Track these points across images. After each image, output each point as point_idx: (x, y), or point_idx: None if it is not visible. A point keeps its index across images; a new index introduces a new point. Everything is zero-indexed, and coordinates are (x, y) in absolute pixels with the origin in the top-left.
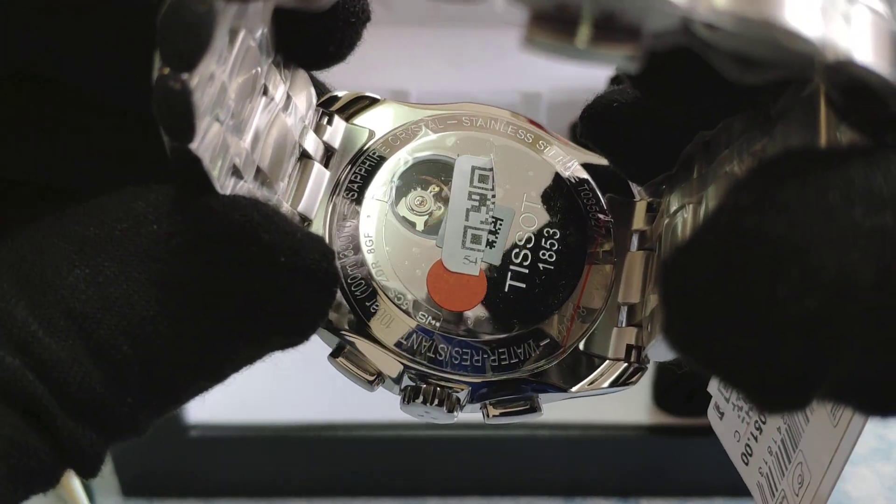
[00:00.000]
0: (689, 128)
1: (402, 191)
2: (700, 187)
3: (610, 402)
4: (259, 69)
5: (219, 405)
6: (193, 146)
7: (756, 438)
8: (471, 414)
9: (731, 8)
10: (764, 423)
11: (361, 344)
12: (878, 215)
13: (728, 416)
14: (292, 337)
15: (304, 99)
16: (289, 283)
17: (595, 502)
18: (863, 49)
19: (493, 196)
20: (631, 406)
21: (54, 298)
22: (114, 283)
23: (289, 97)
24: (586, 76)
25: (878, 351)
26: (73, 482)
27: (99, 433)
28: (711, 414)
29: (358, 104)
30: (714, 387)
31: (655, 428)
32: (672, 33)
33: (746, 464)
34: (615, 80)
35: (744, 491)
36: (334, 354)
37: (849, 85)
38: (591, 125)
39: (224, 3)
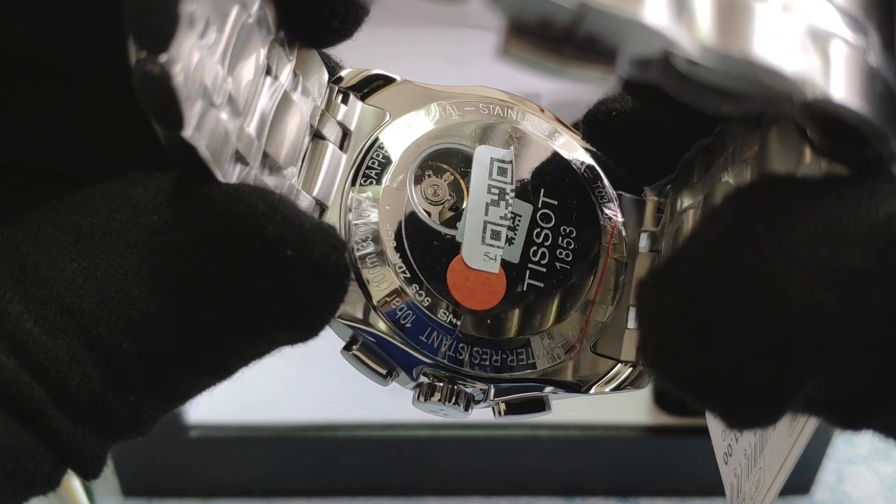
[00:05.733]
0: (686, 135)
1: (417, 179)
2: (700, 193)
3: (610, 402)
4: (260, 48)
5: (219, 405)
6: (186, 134)
7: (737, 440)
8: (481, 411)
9: (712, 44)
10: None
11: (377, 338)
12: (843, 254)
13: None
14: (300, 333)
15: (314, 77)
16: (296, 277)
17: (595, 502)
18: (839, 86)
19: (512, 190)
20: (631, 406)
21: (50, 293)
22: (112, 277)
23: (296, 75)
24: None
25: (845, 373)
26: (73, 482)
27: (100, 434)
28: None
29: (372, 83)
30: None
31: (655, 428)
32: (648, 65)
33: (726, 463)
34: None
35: None
36: (347, 347)
37: (825, 121)
38: (592, 132)
39: None
